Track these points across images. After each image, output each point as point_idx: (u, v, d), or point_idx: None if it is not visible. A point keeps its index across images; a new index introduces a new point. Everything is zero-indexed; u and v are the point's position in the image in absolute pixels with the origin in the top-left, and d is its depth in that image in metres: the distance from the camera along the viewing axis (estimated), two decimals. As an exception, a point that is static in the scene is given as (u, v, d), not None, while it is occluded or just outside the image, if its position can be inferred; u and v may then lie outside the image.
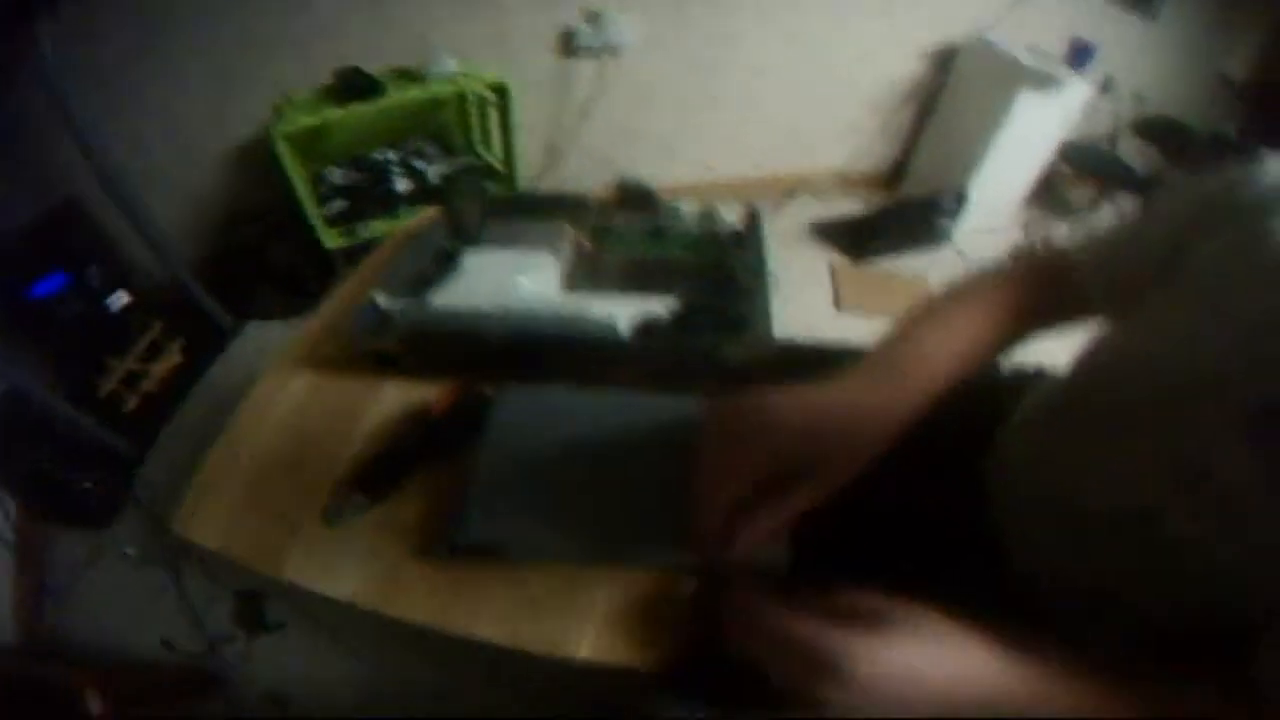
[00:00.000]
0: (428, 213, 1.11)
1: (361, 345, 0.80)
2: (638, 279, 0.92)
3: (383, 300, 0.80)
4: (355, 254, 1.97)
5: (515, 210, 1.02)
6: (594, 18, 2.23)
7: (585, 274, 0.93)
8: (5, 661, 1.45)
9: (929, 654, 0.45)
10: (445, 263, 0.91)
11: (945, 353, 0.60)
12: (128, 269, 1.98)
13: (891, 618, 0.46)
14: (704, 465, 0.54)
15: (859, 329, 2.33)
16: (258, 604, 1.54)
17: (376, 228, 1.97)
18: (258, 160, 2.09)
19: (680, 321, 0.81)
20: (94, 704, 1.15)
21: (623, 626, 0.62)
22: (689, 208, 1.02)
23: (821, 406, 0.53)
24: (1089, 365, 0.75)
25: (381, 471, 0.71)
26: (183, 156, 2.07)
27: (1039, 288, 0.69)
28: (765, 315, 0.82)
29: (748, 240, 0.96)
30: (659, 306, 0.82)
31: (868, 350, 0.61)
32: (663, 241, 0.98)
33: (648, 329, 0.79)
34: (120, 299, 1.91)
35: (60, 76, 1.55)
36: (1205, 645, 0.57)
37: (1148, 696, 0.51)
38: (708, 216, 1.01)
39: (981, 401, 0.90)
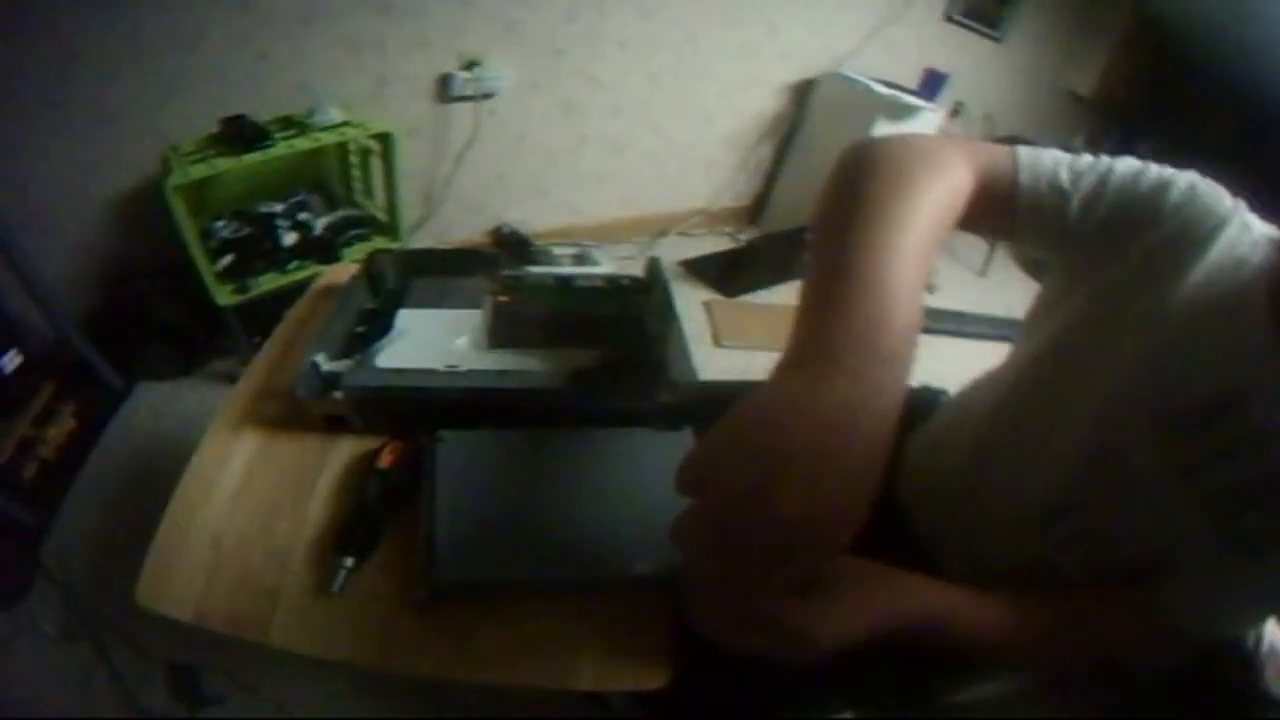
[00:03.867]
0: (343, 269, 1.16)
1: (310, 408, 0.83)
2: (556, 333, 0.98)
3: (324, 363, 0.85)
4: (244, 310, 1.95)
5: (430, 268, 1.08)
6: (470, 64, 2.33)
7: (507, 330, 0.98)
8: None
9: (874, 597, 0.56)
10: (375, 322, 0.97)
11: (913, 285, 0.47)
12: (18, 327, 1.84)
13: (835, 576, 0.54)
14: (702, 560, 0.45)
15: (739, 363, 2.49)
16: (192, 676, 1.47)
17: (266, 282, 1.93)
18: (144, 210, 2.00)
19: (607, 372, 0.90)
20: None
21: (620, 651, 0.66)
22: (563, 251, 1.08)
23: (807, 430, 0.40)
24: (1017, 372, 0.79)
25: (361, 530, 0.72)
26: (68, 205, 1.96)
27: (978, 194, 0.61)
28: (685, 358, 0.87)
29: (652, 287, 1.04)
30: (583, 359, 0.91)
31: (808, 302, 0.48)
32: (572, 293, 1.06)
33: (578, 378, 0.88)
34: (13, 359, 1.77)
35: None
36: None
37: (1063, 615, 0.65)
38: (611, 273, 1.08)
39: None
